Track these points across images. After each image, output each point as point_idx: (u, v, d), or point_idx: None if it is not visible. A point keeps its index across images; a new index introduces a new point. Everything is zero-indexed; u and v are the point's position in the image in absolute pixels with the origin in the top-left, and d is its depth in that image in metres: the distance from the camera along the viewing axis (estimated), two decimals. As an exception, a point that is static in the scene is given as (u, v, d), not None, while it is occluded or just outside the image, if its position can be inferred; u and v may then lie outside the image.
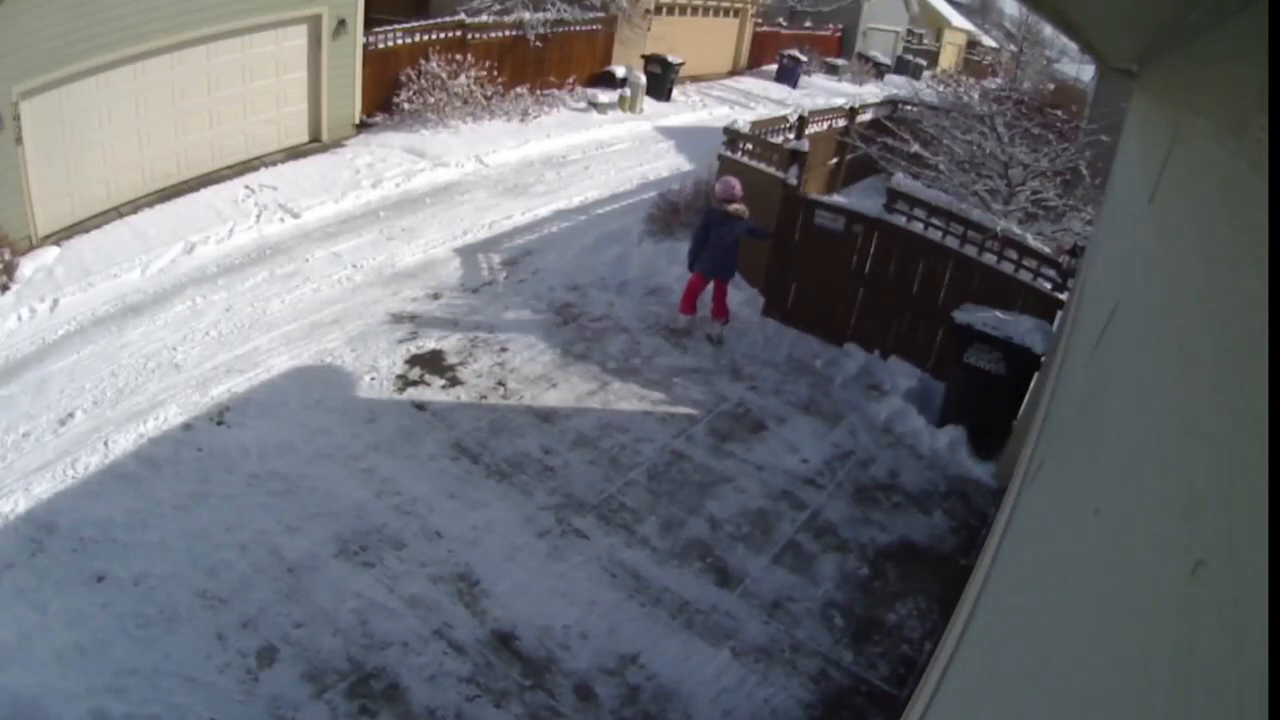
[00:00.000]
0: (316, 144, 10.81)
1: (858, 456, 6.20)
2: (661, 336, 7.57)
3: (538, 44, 13.90)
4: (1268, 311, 0.75)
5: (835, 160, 12.68)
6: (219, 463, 5.31)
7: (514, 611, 4.47)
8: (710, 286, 7.33)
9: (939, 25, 31.93)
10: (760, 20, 22.02)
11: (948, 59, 30.18)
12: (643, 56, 16.32)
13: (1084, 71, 20.31)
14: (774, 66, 21.03)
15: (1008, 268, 6.73)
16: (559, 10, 14.42)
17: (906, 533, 5.47)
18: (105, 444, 5.34)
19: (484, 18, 13.23)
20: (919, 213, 7.24)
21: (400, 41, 11.79)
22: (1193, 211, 1.52)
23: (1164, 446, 1.14)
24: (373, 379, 6.38)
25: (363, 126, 11.42)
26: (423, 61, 11.94)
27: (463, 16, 12.72)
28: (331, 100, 10.79)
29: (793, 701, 4.16)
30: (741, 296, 8.27)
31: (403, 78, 11.79)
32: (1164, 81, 3.00)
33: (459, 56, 12.27)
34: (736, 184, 7.03)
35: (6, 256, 6.94)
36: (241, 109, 9.77)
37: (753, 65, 21.54)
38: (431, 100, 11.88)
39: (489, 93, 12.70)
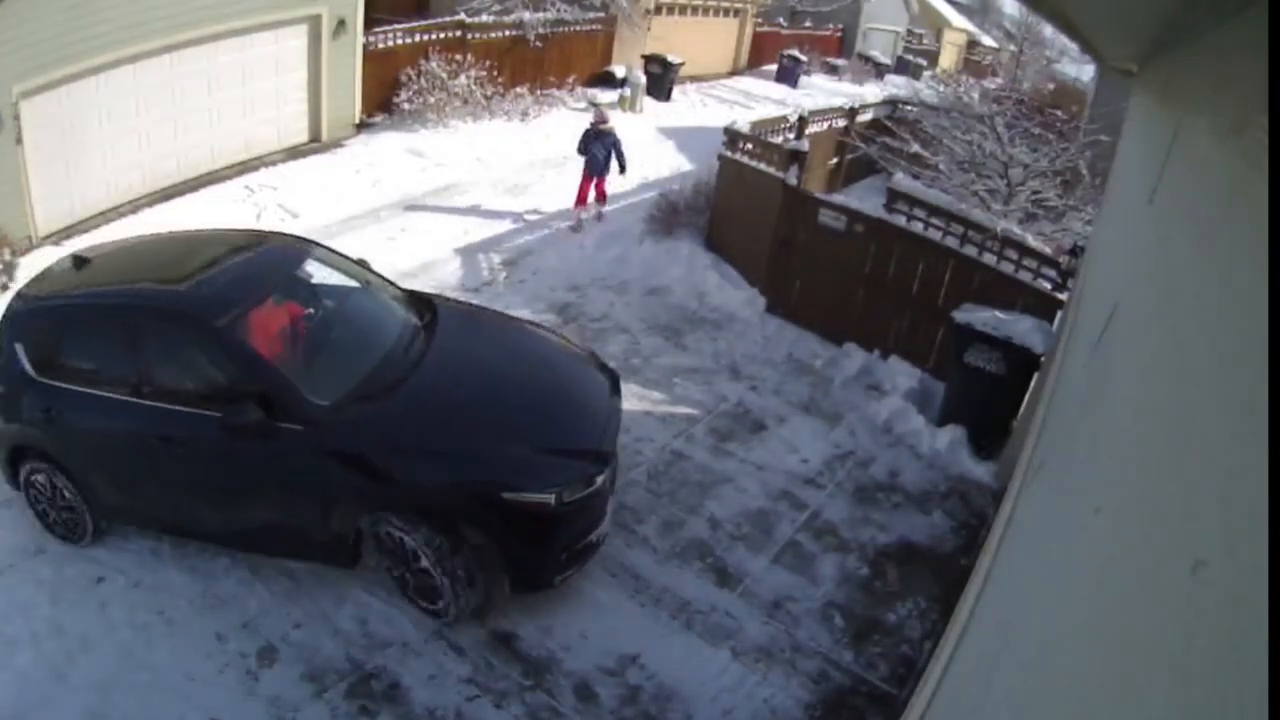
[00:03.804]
0: (316, 144, 10.81)
1: (858, 456, 6.20)
2: (662, 337, 7.57)
3: (538, 44, 13.90)
4: (1268, 311, 0.75)
5: (835, 160, 12.68)
6: (219, 463, 5.31)
7: (513, 611, 4.47)
8: (593, 184, 9.76)
9: (939, 25, 31.93)
10: (760, 20, 22.04)
11: (948, 59, 30.19)
12: (643, 56, 16.32)
13: (1084, 71, 20.31)
14: (774, 66, 21.03)
15: (1008, 268, 6.73)
16: (559, 10, 14.43)
17: (906, 533, 5.47)
18: (105, 444, 5.34)
19: (484, 18, 13.24)
20: (919, 213, 7.24)
21: (400, 41, 11.80)
22: (1193, 211, 1.52)
23: (1164, 446, 1.14)
24: (373, 379, 6.37)
25: (363, 126, 11.42)
26: (423, 61, 11.94)
27: (463, 16, 12.73)
28: (331, 100, 10.79)
29: (793, 701, 4.16)
30: (742, 296, 8.28)
31: (403, 78, 11.79)
32: (1164, 81, 3.00)
33: (459, 56, 12.27)
34: (605, 112, 10.06)
35: (6, 257, 6.94)
36: (241, 109, 9.77)
37: (753, 65, 21.55)
38: (431, 100, 11.88)
39: (489, 93, 12.70)
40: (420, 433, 3.99)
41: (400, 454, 3.92)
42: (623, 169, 9.71)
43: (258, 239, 5.18)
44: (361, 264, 5.29)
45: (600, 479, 4.09)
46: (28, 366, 4.39)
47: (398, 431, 3.96)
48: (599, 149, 9.55)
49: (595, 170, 9.67)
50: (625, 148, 9.70)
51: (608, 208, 10.13)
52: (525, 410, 4.24)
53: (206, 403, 4.02)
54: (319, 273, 4.90)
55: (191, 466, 4.15)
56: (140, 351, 4.17)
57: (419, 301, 4.98)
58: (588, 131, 9.56)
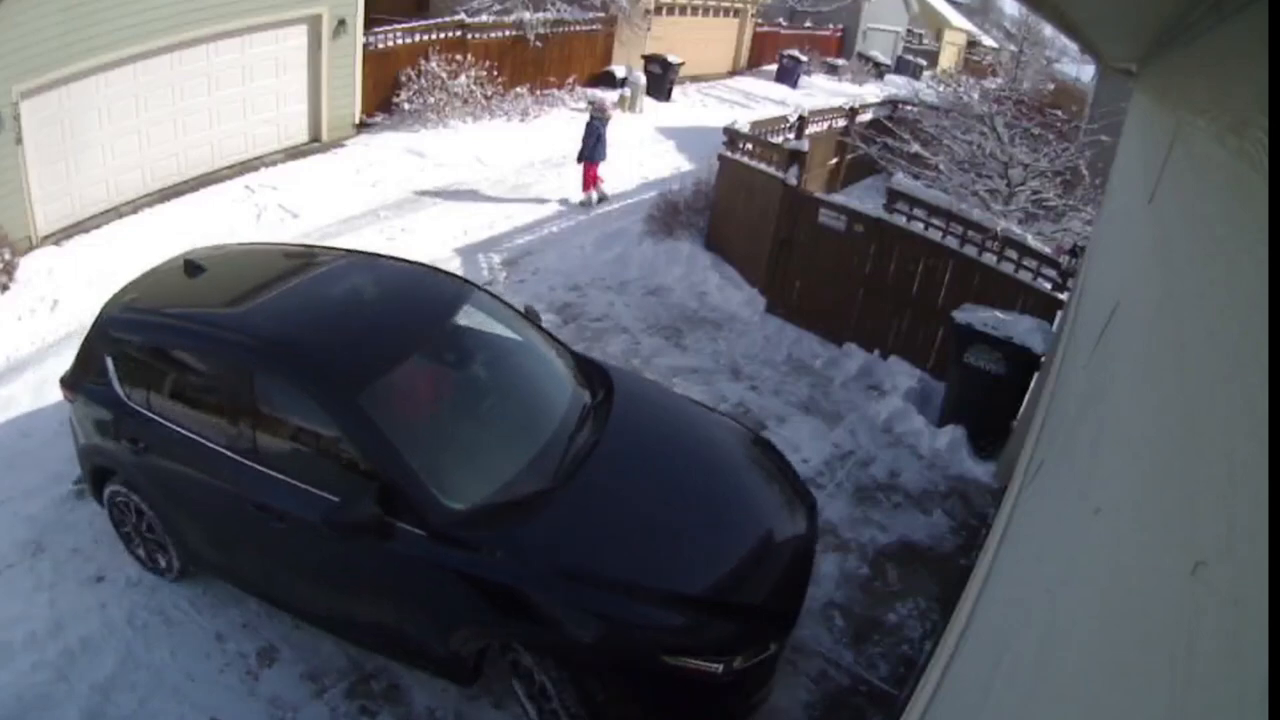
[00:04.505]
0: (316, 144, 10.81)
1: (858, 456, 6.20)
2: (662, 337, 7.57)
3: (538, 44, 13.91)
4: (1268, 311, 0.75)
5: (835, 160, 12.68)
6: (219, 463, 5.30)
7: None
8: (593, 168, 10.48)
9: (939, 25, 31.93)
10: (760, 20, 22.03)
11: (948, 59, 30.18)
12: (643, 56, 16.33)
13: (1084, 71, 20.31)
14: (774, 66, 21.03)
15: (1008, 268, 6.73)
16: (559, 10, 14.44)
17: (906, 533, 5.46)
18: (105, 444, 5.33)
19: (484, 18, 13.24)
20: (919, 213, 7.24)
21: (400, 41, 11.80)
22: (1193, 211, 1.52)
23: (1164, 446, 1.14)
24: (373, 379, 6.36)
25: (363, 126, 11.43)
26: (423, 61, 11.95)
27: (463, 16, 12.74)
28: (331, 100, 10.79)
29: (793, 701, 4.16)
30: (742, 296, 8.28)
31: (403, 78, 11.81)
32: (1164, 81, 3.00)
33: (459, 56, 12.28)
34: (607, 100, 11.41)
35: (6, 256, 6.94)
36: (242, 109, 9.77)
37: (753, 65, 21.55)
38: (431, 100, 11.89)
39: (489, 93, 12.71)
40: (574, 563, 3.17)
41: (545, 587, 3.13)
42: (602, 158, 10.47)
43: (405, 272, 4.44)
44: (530, 315, 4.52)
45: (778, 644, 3.36)
46: (116, 385, 3.97)
47: (546, 557, 3.16)
48: (602, 135, 10.21)
49: (600, 154, 10.35)
50: (612, 144, 10.60)
51: (610, 207, 10.17)
52: (705, 544, 3.39)
53: (316, 479, 3.45)
54: (474, 323, 4.09)
55: (292, 544, 3.59)
56: (249, 403, 3.60)
57: (592, 372, 4.09)
58: (596, 121, 10.19)
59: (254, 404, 3.61)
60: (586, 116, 10.46)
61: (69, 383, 4.29)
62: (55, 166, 7.78)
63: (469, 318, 4.12)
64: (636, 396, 4.11)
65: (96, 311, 4.27)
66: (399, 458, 3.32)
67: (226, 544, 3.99)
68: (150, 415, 3.88)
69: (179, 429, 3.79)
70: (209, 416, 3.76)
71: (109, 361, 4.02)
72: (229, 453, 3.64)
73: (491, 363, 4.15)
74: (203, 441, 3.72)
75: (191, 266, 4.25)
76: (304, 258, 4.59)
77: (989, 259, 6.81)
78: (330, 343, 3.70)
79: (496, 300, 4.44)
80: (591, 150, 10.24)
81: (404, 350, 3.78)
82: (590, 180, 10.48)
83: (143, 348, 3.99)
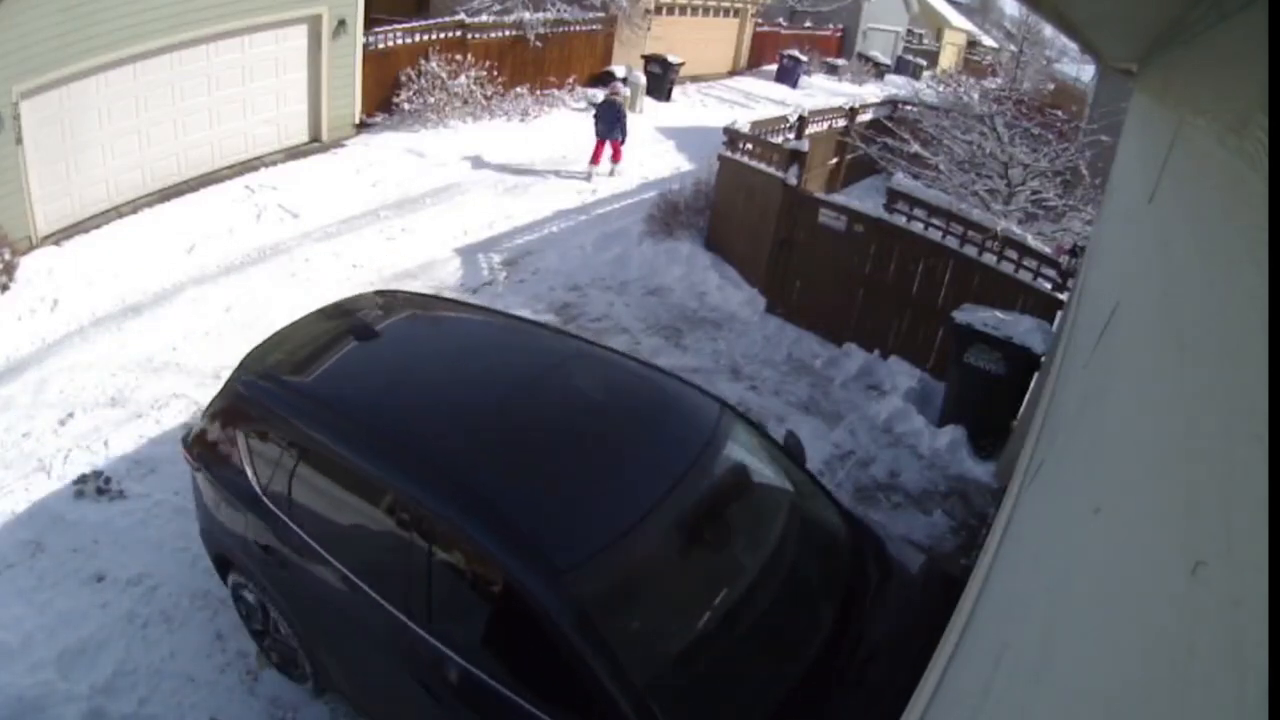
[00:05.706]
0: (316, 144, 10.81)
1: (858, 456, 6.20)
2: (662, 337, 7.57)
3: (538, 44, 13.91)
4: (1268, 311, 0.75)
5: (835, 160, 12.68)
6: (219, 463, 5.30)
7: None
8: (608, 146, 11.36)
9: (939, 25, 31.93)
10: (760, 20, 22.03)
11: (948, 59, 30.18)
12: (643, 56, 16.33)
13: (1084, 71, 20.30)
14: (774, 66, 21.04)
15: (1008, 268, 6.73)
16: (559, 10, 14.44)
17: (906, 533, 5.45)
18: (105, 444, 5.34)
19: (484, 18, 13.24)
20: (919, 213, 7.24)
21: (400, 41, 11.80)
22: (1193, 211, 1.52)
23: (1164, 446, 1.14)
24: (373, 379, 6.36)
25: (363, 126, 11.43)
26: (423, 61, 11.95)
27: (463, 16, 12.74)
28: (331, 100, 10.79)
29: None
30: (742, 296, 8.29)
31: (403, 78, 11.81)
32: (1164, 81, 3.00)
33: (459, 56, 12.28)
34: (618, 84, 11.99)
35: (6, 256, 6.94)
36: (242, 109, 9.77)
37: (753, 65, 21.55)
38: (431, 100, 11.89)
39: (489, 93, 12.71)
40: None
41: None
42: (623, 138, 11.28)
43: (643, 383, 3.40)
44: (791, 450, 3.51)
45: None
46: (250, 473, 3.22)
47: None
48: (612, 115, 11.09)
49: (611, 133, 11.20)
50: (628, 128, 11.34)
51: (610, 207, 10.18)
52: None
53: (508, 674, 2.61)
54: (726, 466, 3.08)
55: None
56: (424, 554, 2.74)
57: (866, 542, 3.14)
58: (604, 102, 11.18)
59: (431, 556, 2.72)
60: (594, 110, 11.30)
61: (194, 452, 3.59)
62: (55, 166, 7.78)
63: (722, 456, 3.10)
64: (908, 575, 3.19)
65: (235, 366, 3.60)
66: (621, 674, 2.42)
67: (375, 696, 3.25)
68: (289, 523, 3.08)
69: (325, 554, 2.98)
70: (367, 553, 2.94)
71: (241, 439, 3.28)
72: (390, 606, 2.81)
73: (746, 529, 3.10)
74: (356, 581, 2.88)
75: (360, 331, 3.44)
76: (507, 341, 3.68)
77: (989, 259, 6.81)
78: (539, 495, 2.76)
79: (754, 430, 3.39)
80: (610, 128, 11.10)
81: (637, 512, 2.73)
82: (598, 155, 11.31)
83: (287, 437, 3.12)
